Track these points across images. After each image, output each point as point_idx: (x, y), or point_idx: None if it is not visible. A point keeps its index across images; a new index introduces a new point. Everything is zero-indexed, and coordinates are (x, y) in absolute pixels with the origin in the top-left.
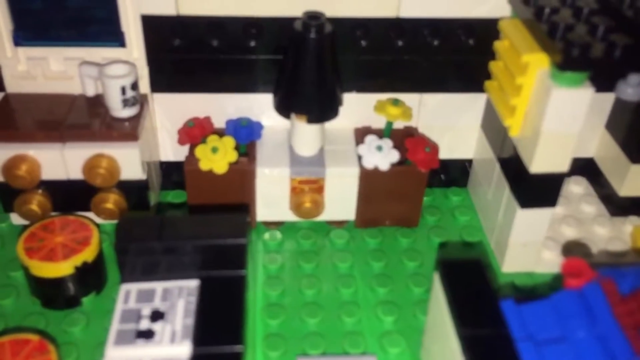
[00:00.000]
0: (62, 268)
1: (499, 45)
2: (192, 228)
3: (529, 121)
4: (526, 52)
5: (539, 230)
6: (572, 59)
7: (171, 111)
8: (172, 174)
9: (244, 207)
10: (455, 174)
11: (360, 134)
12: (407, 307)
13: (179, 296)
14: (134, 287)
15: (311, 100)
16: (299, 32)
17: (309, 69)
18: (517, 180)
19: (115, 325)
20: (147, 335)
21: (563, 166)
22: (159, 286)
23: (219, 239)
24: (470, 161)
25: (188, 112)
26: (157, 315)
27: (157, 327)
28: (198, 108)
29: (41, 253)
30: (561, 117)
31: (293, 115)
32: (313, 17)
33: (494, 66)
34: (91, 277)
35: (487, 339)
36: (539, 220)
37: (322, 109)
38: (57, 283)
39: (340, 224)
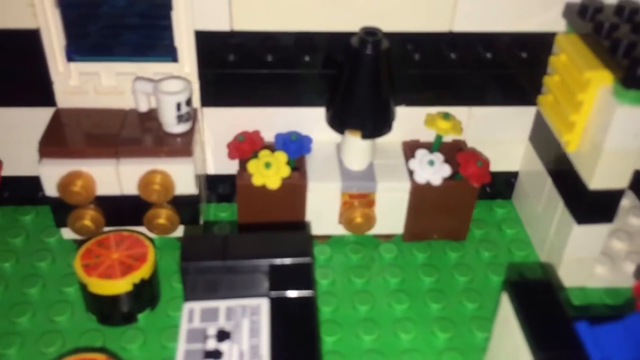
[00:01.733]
0: (121, 285)
1: (555, 60)
2: (256, 247)
3: (588, 137)
4: (587, 68)
5: (595, 245)
6: (637, 77)
7: (219, 125)
8: (215, 187)
9: (300, 225)
10: (500, 186)
11: (409, 148)
12: (462, 323)
13: (243, 315)
14: (197, 306)
15: (366, 116)
16: (356, 47)
17: (365, 85)
18: (574, 196)
19: (182, 346)
20: (215, 355)
21: (623, 182)
22: (222, 305)
23: (284, 258)
24: (515, 174)
25: (236, 126)
26: (223, 335)
27: (224, 347)
28: (246, 122)
29: (99, 270)
30: (624, 134)
31: (346, 131)
32: (370, 33)
33: (549, 81)
34: (147, 294)
35: None
36: (595, 236)
37: (376, 124)
38: (115, 300)
39: (387, 237)
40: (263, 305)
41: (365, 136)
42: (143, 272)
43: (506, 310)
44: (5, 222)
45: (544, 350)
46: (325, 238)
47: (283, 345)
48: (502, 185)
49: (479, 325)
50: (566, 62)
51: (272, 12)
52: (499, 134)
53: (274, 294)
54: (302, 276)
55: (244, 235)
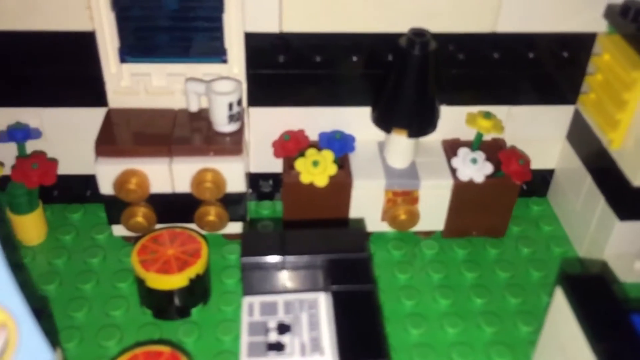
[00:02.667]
0: (177, 280)
1: (597, 60)
2: (313, 243)
3: (633, 135)
4: (633, 68)
5: (636, 241)
6: None
7: (263, 124)
8: (256, 185)
9: (342, 221)
10: (536, 183)
11: (449, 146)
12: (507, 317)
13: (301, 309)
14: (256, 300)
15: (412, 115)
16: (404, 48)
17: (412, 85)
18: (617, 192)
19: (245, 338)
20: (278, 347)
21: None
22: (280, 299)
23: (342, 253)
24: (551, 171)
25: (279, 125)
26: (283, 328)
27: (285, 339)
28: (289, 121)
29: (156, 265)
30: None
31: (393, 130)
32: (418, 34)
33: (591, 80)
34: (200, 289)
35: (625, 352)
36: (636, 232)
37: (422, 124)
38: (171, 295)
39: (427, 234)
40: (320, 299)
41: (411, 135)
42: (198, 267)
43: (560, 304)
44: (55, 220)
45: (603, 342)
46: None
47: (349, 337)
48: (538, 183)
49: (524, 320)
50: (610, 62)
51: (321, 14)
52: (536, 132)
53: (334, 288)
54: (361, 271)
55: (301, 232)
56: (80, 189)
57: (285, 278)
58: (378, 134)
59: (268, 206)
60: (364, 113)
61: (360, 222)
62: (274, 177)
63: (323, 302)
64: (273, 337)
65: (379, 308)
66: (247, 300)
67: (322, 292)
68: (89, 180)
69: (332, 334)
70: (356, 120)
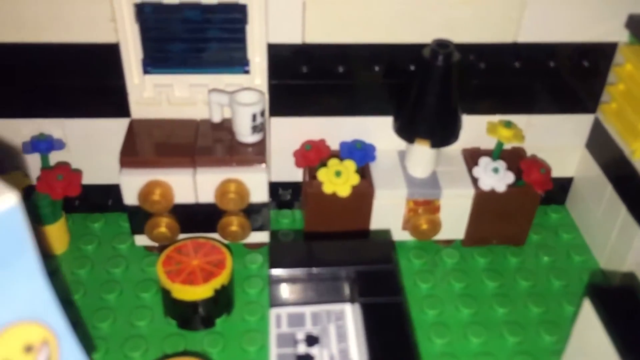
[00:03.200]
0: (203, 291)
1: (619, 70)
2: (340, 254)
3: None
4: None
5: None
6: None
7: (283, 134)
8: (275, 194)
9: (363, 232)
10: (554, 192)
11: (469, 155)
12: (530, 327)
13: (329, 320)
14: (283, 312)
15: (435, 125)
16: (427, 59)
17: (435, 96)
18: (639, 201)
19: (274, 350)
20: (307, 359)
21: None
22: (307, 310)
23: (369, 265)
24: (569, 179)
25: (299, 135)
26: (312, 340)
27: (314, 351)
28: (310, 131)
29: (181, 276)
30: None
31: (415, 140)
32: (442, 45)
33: (613, 90)
34: (225, 299)
35: None
36: None
37: (445, 134)
38: (196, 305)
39: (448, 242)
40: (347, 310)
41: (434, 145)
42: (223, 278)
43: (589, 315)
44: (76, 230)
45: (635, 355)
46: None
47: (381, 350)
48: (556, 191)
49: (547, 329)
50: (632, 72)
51: (344, 25)
52: (555, 141)
53: (363, 300)
54: (390, 282)
55: (327, 243)
56: (102, 198)
57: (311, 289)
58: (398, 143)
59: (287, 215)
60: (384, 122)
61: (386, 233)
62: (294, 186)
63: (350, 314)
64: (302, 349)
65: (410, 320)
66: (274, 311)
67: (349, 303)
68: (111, 190)
69: (360, 345)
70: (376, 130)
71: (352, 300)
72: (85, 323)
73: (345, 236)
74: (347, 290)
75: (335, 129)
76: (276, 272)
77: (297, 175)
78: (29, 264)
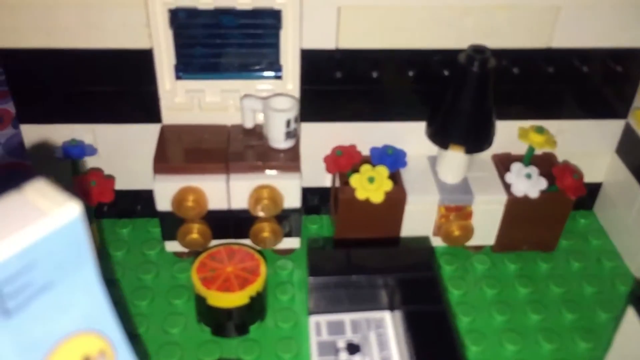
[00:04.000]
0: (238, 298)
1: None
2: (380, 261)
3: None
4: None
5: None
6: None
7: (313, 139)
8: (304, 199)
9: (394, 239)
10: (583, 197)
11: (499, 161)
12: (565, 334)
13: (369, 328)
14: (322, 319)
15: (470, 131)
16: (463, 64)
17: (470, 102)
18: None
19: (315, 358)
20: None
21: None
22: (346, 318)
23: (410, 272)
24: (597, 184)
25: (330, 140)
26: (353, 348)
27: (356, 359)
28: (339, 136)
29: (217, 283)
30: None
31: (450, 146)
32: (478, 51)
33: None
34: (258, 306)
35: None
36: None
37: (479, 140)
38: (231, 312)
39: (477, 248)
40: (386, 318)
41: (468, 151)
42: (258, 285)
43: (633, 324)
44: (105, 236)
45: None
46: None
47: (426, 358)
48: (585, 196)
49: (582, 336)
50: None
51: (378, 31)
52: (584, 145)
53: (405, 308)
54: (432, 290)
55: (366, 250)
56: (131, 204)
57: (350, 297)
58: (428, 148)
59: (316, 220)
60: (414, 128)
61: (424, 240)
62: (321, 191)
63: (390, 321)
64: (343, 357)
65: (455, 329)
66: (313, 319)
67: (388, 310)
68: (139, 195)
69: (403, 354)
70: (406, 135)
71: (391, 307)
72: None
73: (377, 242)
74: (386, 297)
75: (364, 134)
76: (315, 279)
77: (323, 180)
78: (88, 275)
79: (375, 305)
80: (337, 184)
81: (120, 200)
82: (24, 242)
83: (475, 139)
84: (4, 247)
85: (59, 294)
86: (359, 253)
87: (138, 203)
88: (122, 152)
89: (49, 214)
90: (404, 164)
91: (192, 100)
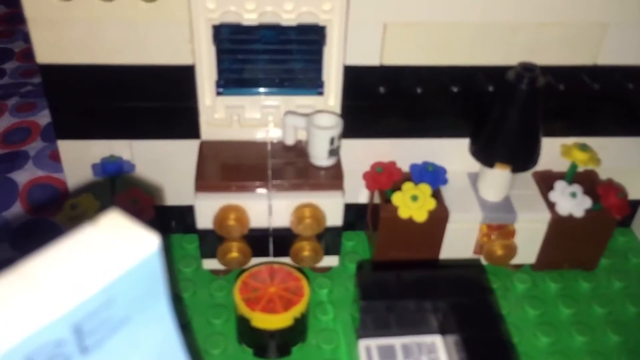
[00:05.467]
0: (283, 319)
1: None
2: (431, 284)
3: None
4: None
5: None
6: None
7: (352, 156)
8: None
9: (433, 262)
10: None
11: (541, 178)
12: (612, 356)
13: (420, 353)
14: (372, 343)
15: (517, 150)
16: (512, 81)
17: (518, 120)
18: None
19: None
20: None
21: None
22: (396, 342)
23: (465, 296)
24: (635, 202)
25: (368, 156)
26: None
27: None
28: (378, 152)
29: (261, 304)
30: None
31: (496, 164)
32: (527, 69)
33: None
34: (301, 327)
35: None
36: None
37: (526, 159)
38: (274, 334)
39: (517, 267)
40: (438, 342)
41: (515, 170)
42: (302, 306)
43: None
44: None
45: None
46: None
47: None
48: None
49: (629, 358)
50: None
51: (423, 47)
52: (625, 162)
53: (461, 332)
54: (489, 314)
55: (417, 272)
56: (166, 220)
57: (401, 321)
58: (467, 164)
59: (352, 237)
60: (454, 144)
61: (476, 262)
62: (357, 207)
63: (442, 346)
64: None
65: (517, 356)
66: (362, 343)
67: (439, 335)
68: (174, 212)
69: None
70: (445, 151)
71: (442, 331)
72: None
73: (418, 263)
74: (436, 321)
75: (402, 150)
76: (367, 303)
77: (358, 195)
78: (162, 308)
79: (425, 329)
80: (376, 200)
81: (155, 216)
82: (105, 279)
83: (522, 157)
84: (86, 284)
85: (134, 329)
86: (410, 275)
87: (173, 219)
88: (159, 167)
89: (129, 248)
90: (444, 181)
91: (231, 116)
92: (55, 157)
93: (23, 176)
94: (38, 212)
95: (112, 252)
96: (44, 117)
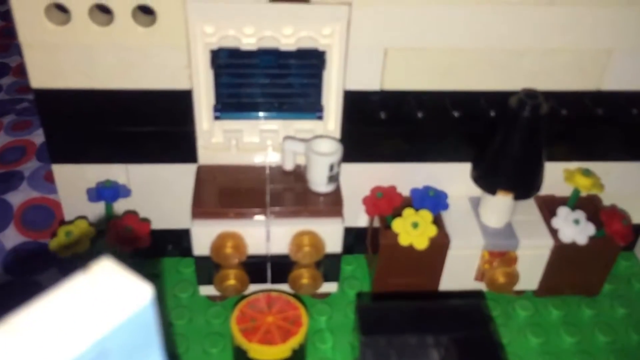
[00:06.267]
0: (281, 351)
1: None
2: (434, 318)
3: None
4: None
5: None
6: None
7: (352, 180)
8: None
9: (433, 293)
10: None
11: (543, 203)
12: None
13: None
14: None
15: (519, 177)
16: (514, 108)
17: (521, 147)
18: None
19: None
20: None
21: None
22: None
23: (465, 331)
24: (637, 226)
25: (368, 180)
26: None
27: None
28: (378, 176)
29: (258, 335)
30: None
31: (498, 191)
32: (530, 96)
33: None
34: (299, 356)
35: None
36: None
37: (528, 186)
38: None
39: (519, 293)
40: None
41: (518, 197)
42: (300, 337)
43: None
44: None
45: None
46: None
47: None
48: None
49: None
50: None
51: (425, 72)
52: (627, 187)
53: None
54: (490, 349)
55: (419, 305)
56: (162, 244)
57: (402, 355)
58: (468, 189)
59: (350, 261)
60: (454, 169)
61: (478, 294)
62: (355, 231)
63: None
64: None
65: None
66: None
67: None
68: (170, 235)
69: None
70: (445, 176)
71: None
72: None
73: (417, 294)
74: (437, 355)
75: (402, 175)
76: (367, 338)
77: (357, 219)
78: (155, 357)
79: None
80: (376, 223)
81: (152, 240)
82: (99, 332)
83: (525, 185)
84: (78, 338)
85: None
86: (411, 308)
87: (169, 242)
88: (155, 191)
89: (123, 299)
90: (445, 206)
91: (229, 141)
92: (50, 178)
93: (17, 197)
94: (32, 235)
95: (105, 303)
96: (39, 136)
